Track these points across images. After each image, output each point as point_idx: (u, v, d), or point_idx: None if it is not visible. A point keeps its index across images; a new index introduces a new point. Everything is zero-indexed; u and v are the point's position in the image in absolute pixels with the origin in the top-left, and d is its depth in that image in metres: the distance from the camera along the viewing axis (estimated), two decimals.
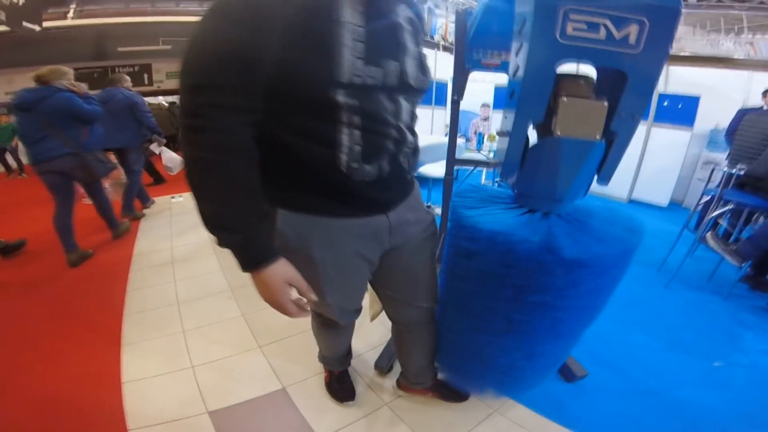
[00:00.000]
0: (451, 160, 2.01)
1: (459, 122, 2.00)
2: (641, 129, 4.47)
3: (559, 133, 0.98)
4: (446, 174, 2.01)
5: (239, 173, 0.73)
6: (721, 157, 3.67)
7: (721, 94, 4.44)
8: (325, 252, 0.95)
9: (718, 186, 2.75)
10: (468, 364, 1.38)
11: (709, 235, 2.48)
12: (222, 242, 0.76)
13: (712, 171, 2.80)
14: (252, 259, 0.79)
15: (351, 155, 0.82)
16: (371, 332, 1.98)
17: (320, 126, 0.79)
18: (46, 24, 6.11)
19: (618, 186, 4.74)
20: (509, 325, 1.17)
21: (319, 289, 0.97)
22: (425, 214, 1.16)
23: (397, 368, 1.75)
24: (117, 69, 9.38)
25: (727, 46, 5.61)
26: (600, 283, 1.12)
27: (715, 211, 2.60)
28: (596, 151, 1.02)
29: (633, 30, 0.85)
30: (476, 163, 2.92)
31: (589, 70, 1.02)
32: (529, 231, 1.05)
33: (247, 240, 0.77)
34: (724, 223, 2.93)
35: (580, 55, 0.90)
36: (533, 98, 0.97)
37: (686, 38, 6.17)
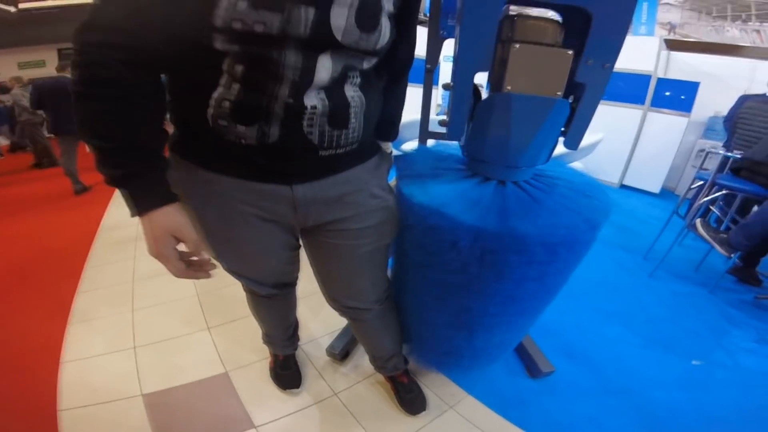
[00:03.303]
0: (424, 133, 1.87)
1: (444, 98, 1.86)
2: (637, 113, 4.33)
3: (509, 88, 0.83)
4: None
5: (119, 108, 0.65)
6: (718, 144, 3.52)
7: (723, 82, 4.29)
8: (204, 205, 0.83)
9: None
10: (428, 343, 1.33)
11: (698, 222, 2.34)
12: (107, 180, 0.68)
13: (706, 156, 2.65)
14: (134, 201, 0.70)
15: (218, 111, 0.69)
16: (331, 314, 1.83)
17: (199, 72, 0.69)
18: (23, 5, 5.90)
19: (609, 171, 4.59)
20: (469, 311, 1.06)
21: (206, 246, 0.91)
22: (370, 199, 0.94)
23: (353, 356, 1.65)
24: None
25: (732, 33, 5.42)
26: (562, 264, 0.98)
27: (705, 196, 2.45)
28: (558, 111, 0.86)
29: None
30: None
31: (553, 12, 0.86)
32: (470, 207, 0.90)
33: (127, 177, 0.68)
34: (715, 209, 2.79)
35: None
36: (474, 43, 0.81)
37: (691, 24, 5.98)
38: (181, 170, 0.79)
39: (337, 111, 0.75)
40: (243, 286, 1.21)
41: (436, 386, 1.50)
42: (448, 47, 1.80)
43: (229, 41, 0.63)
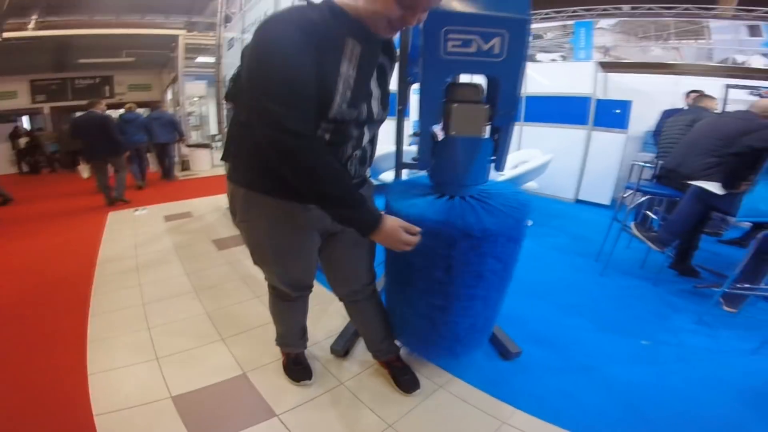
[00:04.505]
0: (399, 164, 2.18)
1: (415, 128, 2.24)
2: (582, 133, 4.82)
3: (453, 132, 1.24)
4: (395, 177, 2.19)
5: (334, 167, 1.02)
6: (652, 156, 4.04)
7: (652, 98, 4.79)
8: (276, 225, 1.21)
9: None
10: (418, 332, 1.62)
11: (633, 224, 2.76)
12: (344, 220, 1.08)
13: (632, 168, 3.15)
14: (371, 223, 1.07)
15: None
16: (329, 321, 2.12)
17: None
18: (5, 34, 6.03)
19: (565, 188, 5.05)
20: (445, 295, 1.41)
21: (268, 258, 1.32)
22: None
23: (353, 353, 1.91)
24: (76, 81, 9.27)
25: (656, 51, 6.10)
26: (504, 248, 1.35)
27: (635, 202, 2.90)
28: (485, 145, 1.28)
29: (497, 42, 1.09)
30: None
31: (480, 79, 1.28)
32: (437, 212, 1.29)
33: (362, 211, 1.06)
34: (652, 214, 3.23)
35: (460, 67, 1.15)
36: (430, 104, 1.23)
37: (622, 46, 6.63)
38: (259, 202, 1.16)
39: (364, 156, 1.23)
40: (274, 294, 1.55)
41: (425, 371, 1.78)
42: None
43: (328, 122, 1.03)
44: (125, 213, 4.65)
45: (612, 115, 4.63)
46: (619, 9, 5.78)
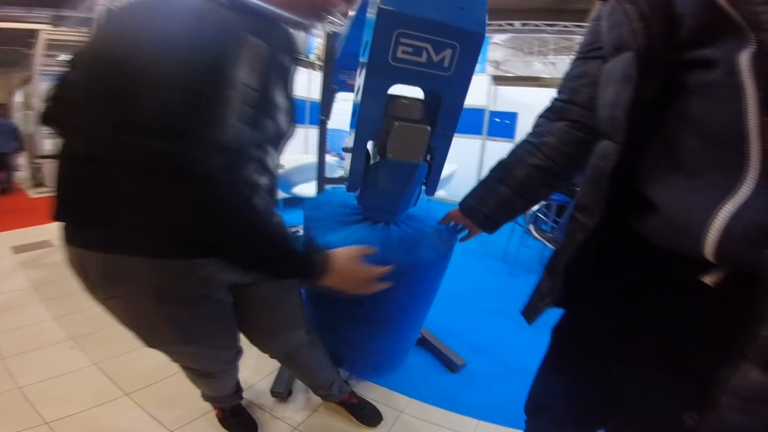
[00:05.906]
0: (321, 179, 2.02)
1: (332, 141, 2.04)
2: (477, 143, 5.20)
3: (390, 155, 1.08)
4: (318, 193, 2.01)
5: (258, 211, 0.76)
6: None
7: (535, 110, 5.38)
8: (164, 297, 0.83)
9: None
10: (352, 356, 1.52)
11: (531, 227, 3.04)
12: (282, 274, 0.85)
13: None
14: (318, 263, 0.84)
15: None
16: (262, 361, 1.81)
17: None
18: None
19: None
20: (372, 321, 1.33)
21: (171, 339, 0.97)
22: None
23: (298, 392, 1.70)
24: None
25: (537, 67, 6.84)
26: (429, 277, 1.32)
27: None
28: (422, 170, 1.16)
29: (447, 54, 0.97)
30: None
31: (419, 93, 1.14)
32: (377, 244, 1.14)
33: (301, 258, 0.82)
34: (542, 216, 3.59)
35: (407, 77, 0.99)
36: (370, 118, 1.06)
37: (510, 60, 7.29)
38: (129, 268, 0.78)
39: (272, 185, 0.94)
40: (192, 372, 1.20)
41: (382, 399, 1.67)
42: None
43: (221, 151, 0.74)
44: None
45: (502, 125, 5.06)
46: (512, 25, 6.25)
